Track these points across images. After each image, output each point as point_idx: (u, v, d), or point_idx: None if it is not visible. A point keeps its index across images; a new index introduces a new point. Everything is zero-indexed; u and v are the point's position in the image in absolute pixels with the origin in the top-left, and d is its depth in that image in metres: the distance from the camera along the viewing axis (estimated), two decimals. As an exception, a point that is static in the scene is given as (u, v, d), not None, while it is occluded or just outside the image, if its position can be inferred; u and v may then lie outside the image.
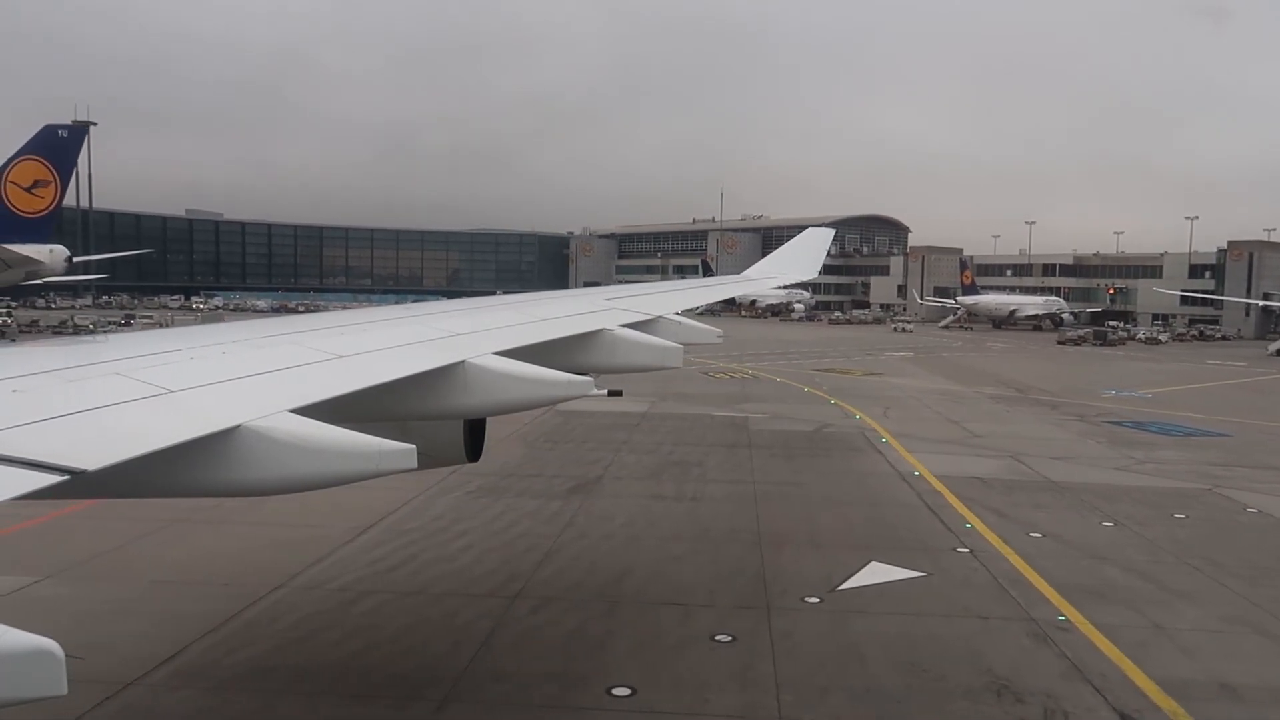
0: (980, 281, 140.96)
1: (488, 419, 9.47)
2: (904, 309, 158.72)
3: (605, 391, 9.00)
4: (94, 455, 4.02)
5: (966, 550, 18.48)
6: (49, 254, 62.15)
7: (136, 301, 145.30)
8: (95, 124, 66.74)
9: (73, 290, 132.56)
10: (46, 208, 60.02)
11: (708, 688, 11.93)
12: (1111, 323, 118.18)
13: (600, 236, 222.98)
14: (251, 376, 5.86)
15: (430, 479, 23.93)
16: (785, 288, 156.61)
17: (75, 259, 68.64)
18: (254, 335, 7.77)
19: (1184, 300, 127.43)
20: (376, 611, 14.52)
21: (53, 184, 59.62)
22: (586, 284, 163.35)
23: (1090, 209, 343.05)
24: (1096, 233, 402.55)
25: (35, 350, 7.72)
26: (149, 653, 12.67)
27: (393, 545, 18.16)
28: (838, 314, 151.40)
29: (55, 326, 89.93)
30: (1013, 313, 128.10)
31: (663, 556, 17.74)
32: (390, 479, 20.44)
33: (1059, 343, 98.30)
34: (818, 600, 15.35)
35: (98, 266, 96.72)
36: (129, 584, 15.75)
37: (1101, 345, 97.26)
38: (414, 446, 5.21)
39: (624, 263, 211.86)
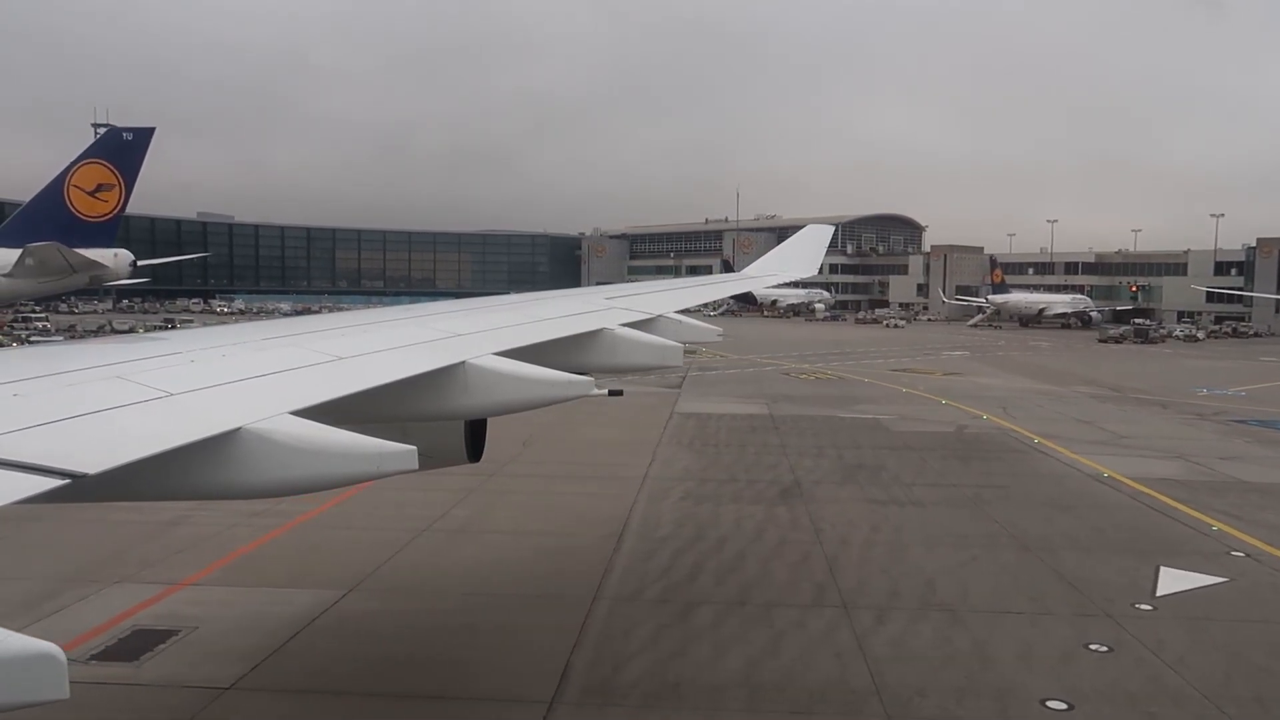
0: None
1: (489, 419, 9.34)
2: (924, 308, 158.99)
3: (606, 391, 8.94)
4: (95, 459, 3.98)
5: (1242, 554, 18.23)
6: (114, 258, 61.30)
7: (160, 305, 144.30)
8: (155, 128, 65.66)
9: (95, 294, 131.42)
10: (110, 212, 59.04)
11: (1139, 700, 11.63)
12: (1139, 321, 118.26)
13: (611, 237, 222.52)
14: (252, 379, 5.82)
15: (629, 485, 23.76)
16: (803, 285, 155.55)
17: (140, 263, 68.15)
18: (254, 337, 7.69)
19: (1209, 297, 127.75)
20: (723, 624, 14.13)
21: (117, 188, 58.61)
22: (599, 284, 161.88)
23: (1088, 208, 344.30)
24: (1103, 231, 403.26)
25: (35, 354, 7.66)
26: (538, 669, 12.32)
27: (666, 554, 17.79)
28: (862, 313, 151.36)
29: (94, 331, 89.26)
30: (1041, 311, 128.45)
31: (946, 563, 17.40)
32: (595, 487, 20.65)
33: (1100, 341, 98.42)
34: (1151, 608, 15.07)
35: (141, 271, 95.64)
36: (441, 598, 15.37)
37: (1144, 343, 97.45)
38: (415, 448, 5.14)
39: (636, 263, 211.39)
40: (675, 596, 15.39)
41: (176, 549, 17.65)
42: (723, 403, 41.32)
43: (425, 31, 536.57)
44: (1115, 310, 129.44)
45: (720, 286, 19.45)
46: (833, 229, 21.64)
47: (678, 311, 11.39)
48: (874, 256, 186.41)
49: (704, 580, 16.32)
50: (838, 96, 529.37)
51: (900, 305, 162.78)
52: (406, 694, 11.65)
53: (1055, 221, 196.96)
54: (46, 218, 58.26)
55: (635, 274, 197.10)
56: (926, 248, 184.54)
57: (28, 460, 3.84)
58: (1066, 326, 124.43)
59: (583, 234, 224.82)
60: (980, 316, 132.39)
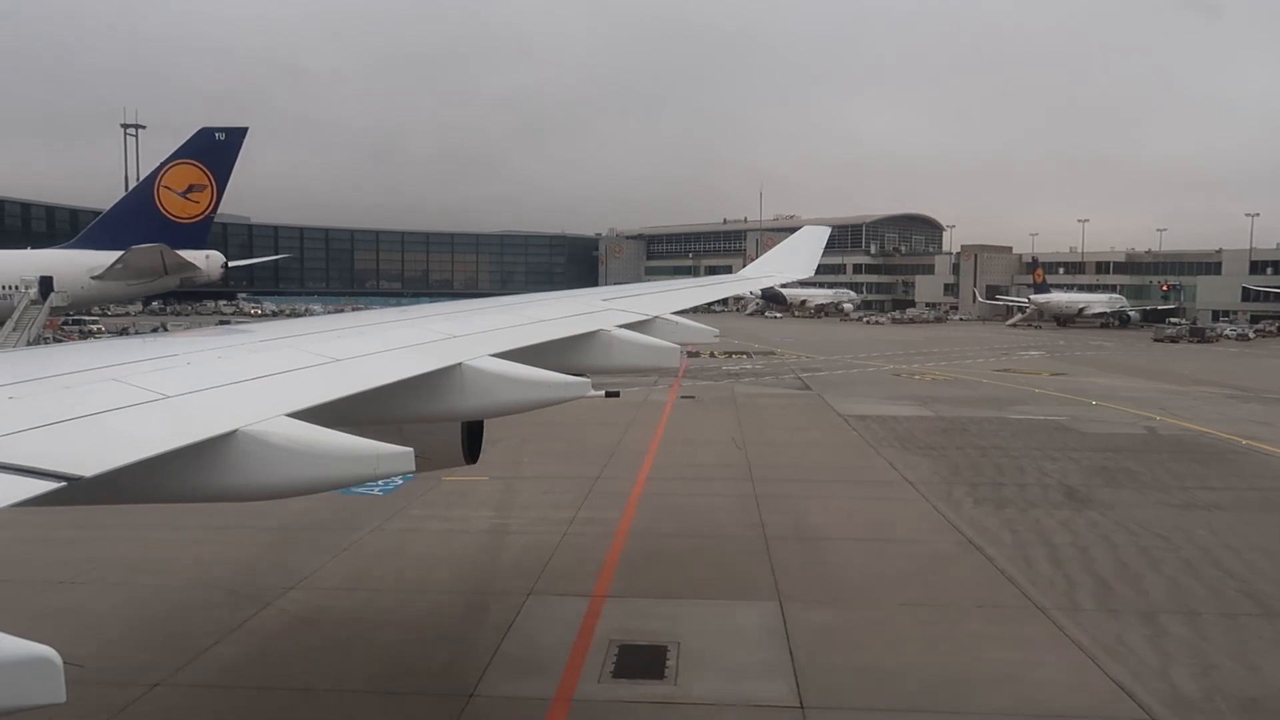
0: (1025, 279, 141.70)
1: (485, 421, 9.28)
2: (953, 307, 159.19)
3: (603, 392, 8.63)
4: (90, 461, 3.98)
5: None
6: (205, 260, 60.63)
7: (191, 308, 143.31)
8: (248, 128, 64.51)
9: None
10: (202, 213, 58.31)
11: None
12: (1175, 320, 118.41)
13: (628, 237, 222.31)
14: (248, 381, 5.82)
15: (902, 489, 23.47)
16: (829, 285, 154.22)
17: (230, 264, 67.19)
18: (251, 340, 7.74)
19: (1245, 296, 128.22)
20: (1208, 634, 13.77)
21: (209, 188, 57.85)
22: (616, 285, 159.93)
23: (1106, 207, 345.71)
24: (1123, 231, 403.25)
25: (31, 356, 7.69)
26: (1079, 681, 11.94)
27: (1041, 560, 17.40)
28: (895, 313, 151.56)
29: (150, 331, 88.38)
30: (1081, 310, 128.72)
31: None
32: (876, 492, 20.44)
33: (1156, 340, 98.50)
34: None
35: (230, 273, 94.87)
36: (878, 606, 14.93)
37: (1200, 342, 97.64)
38: (412, 450, 5.13)
39: (653, 263, 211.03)
40: (1118, 605, 14.99)
41: (540, 559, 17.12)
42: (874, 404, 40.97)
43: (427, 34, 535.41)
44: (1155, 309, 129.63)
45: (718, 288, 19.64)
46: (828, 231, 21.92)
47: (674, 313, 11.42)
48: (897, 257, 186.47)
49: (1120, 589, 15.89)
50: (846, 96, 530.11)
51: (927, 305, 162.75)
52: (991, 713, 11.22)
53: (1086, 221, 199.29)
54: (136, 220, 57.44)
55: (652, 274, 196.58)
56: (947, 247, 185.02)
57: (23, 463, 3.81)
58: (1105, 326, 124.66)
59: (600, 235, 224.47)
60: (1021, 316, 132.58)
